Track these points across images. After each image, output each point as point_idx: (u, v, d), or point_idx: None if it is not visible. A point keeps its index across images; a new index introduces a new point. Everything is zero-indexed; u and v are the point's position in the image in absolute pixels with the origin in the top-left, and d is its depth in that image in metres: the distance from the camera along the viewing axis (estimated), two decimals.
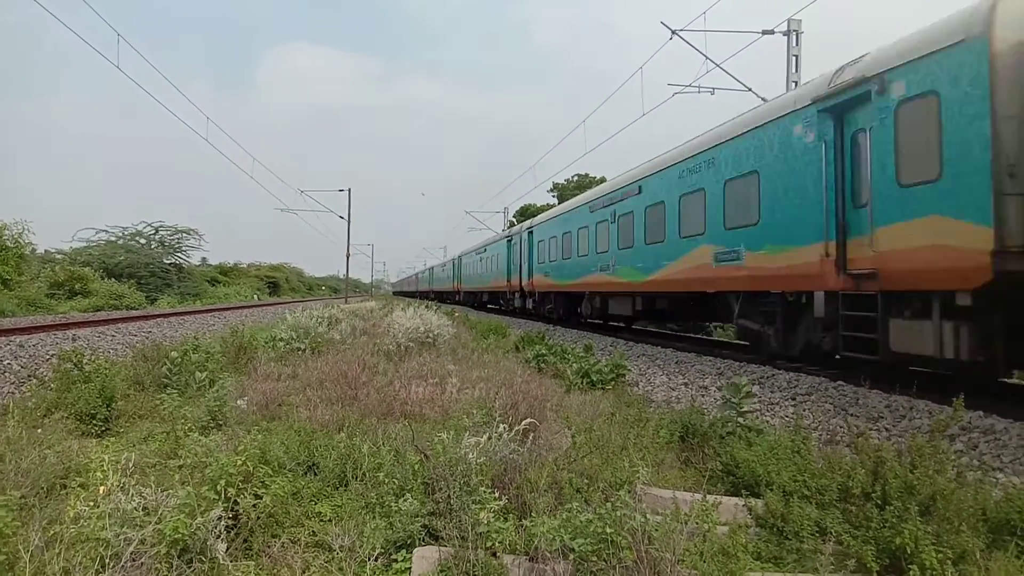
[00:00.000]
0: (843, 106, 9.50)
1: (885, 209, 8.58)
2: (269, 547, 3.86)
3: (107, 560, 3.16)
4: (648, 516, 3.41)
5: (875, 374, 9.20)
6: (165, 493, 3.69)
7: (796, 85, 17.44)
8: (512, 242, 32.19)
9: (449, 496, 3.91)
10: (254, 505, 3.89)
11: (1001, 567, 3.33)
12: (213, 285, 59.18)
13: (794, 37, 18.09)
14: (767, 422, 7.51)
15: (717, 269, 12.77)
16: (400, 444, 5.44)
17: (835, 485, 4.01)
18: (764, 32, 18.20)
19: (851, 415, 7.89)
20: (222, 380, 8.04)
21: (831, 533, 3.61)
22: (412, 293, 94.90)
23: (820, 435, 6.81)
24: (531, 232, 28.42)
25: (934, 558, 3.21)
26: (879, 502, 3.73)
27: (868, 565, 3.35)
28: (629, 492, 3.77)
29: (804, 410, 8.27)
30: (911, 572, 3.21)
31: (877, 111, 8.73)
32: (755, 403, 7.72)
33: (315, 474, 4.99)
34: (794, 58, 18.07)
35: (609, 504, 3.52)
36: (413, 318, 15.49)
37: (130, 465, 3.88)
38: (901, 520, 3.43)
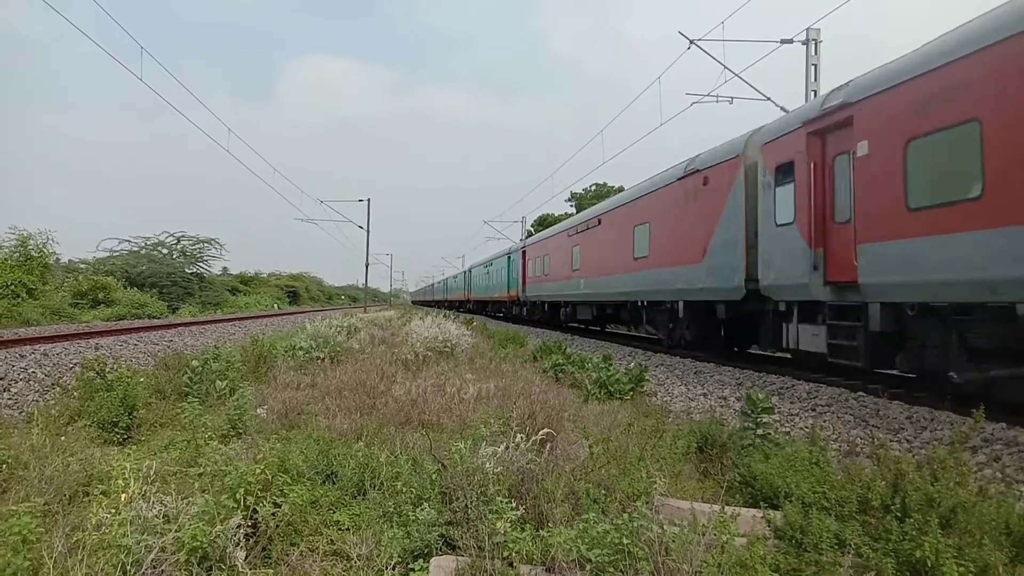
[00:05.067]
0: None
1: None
2: (288, 555, 3.88)
3: (128, 567, 3.20)
4: (665, 527, 3.40)
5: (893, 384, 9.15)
6: (185, 501, 3.73)
7: (815, 94, 17.36)
8: (456, 277, 64.29)
9: (466, 505, 3.92)
10: (273, 513, 3.92)
11: None
12: (234, 294, 59.62)
13: (813, 46, 18.01)
14: (786, 433, 7.46)
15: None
16: (418, 453, 5.46)
17: (854, 497, 3.97)
18: (783, 41, 18.15)
19: (872, 426, 7.82)
20: (242, 389, 8.10)
21: (850, 545, 3.57)
22: (429, 302, 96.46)
23: (840, 447, 6.75)
24: (469, 271, 58.18)
25: (955, 571, 3.16)
26: (899, 514, 3.69)
27: None
28: (646, 503, 3.76)
29: (824, 421, 8.20)
30: None
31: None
32: (774, 416, 7.66)
33: (333, 483, 5.01)
34: (813, 67, 17.99)
35: (626, 515, 3.51)
36: (431, 327, 15.54)
37: (151, 473, 3.93)
38: (922, 533, 3.39)
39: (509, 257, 39.64)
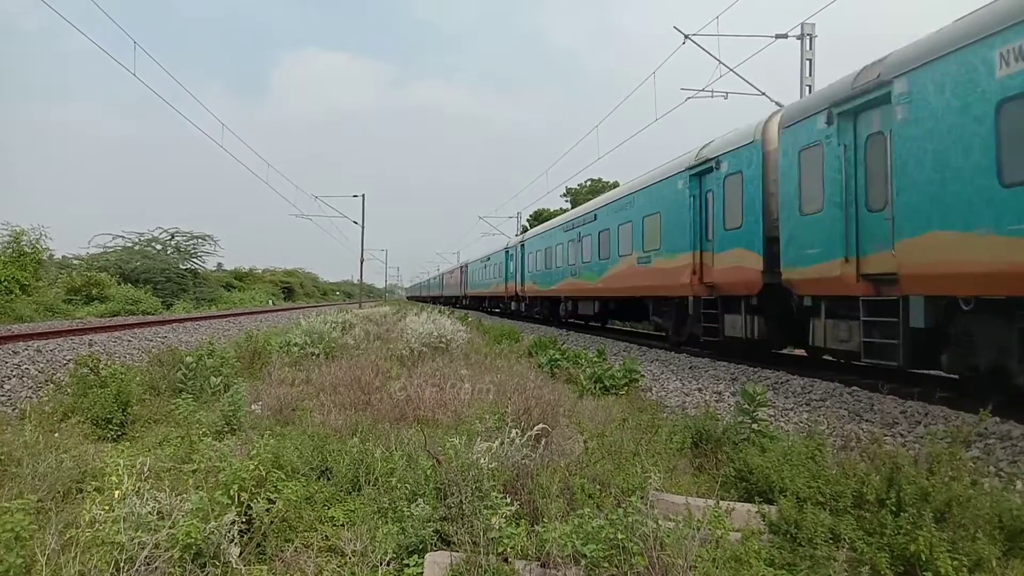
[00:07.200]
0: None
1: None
2: (282, 551, 3.88)
3: (122, 564, 3.19)
4: (660, 522, 3.40)
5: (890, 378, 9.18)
6: (179, 498, 3.71)
7: (810, 90, 17.37)
8: (435, 277, 74.08)
9: (461, 501, 3.92)
10: (267, 510, 3.91)
11: (1018, 575, 3.30)
12: (228, 290, 59.52)
13: (808, 41, 18.00)
14: (781, 428, 7.47)
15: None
16: (413, 449, 5.45)
17: (849, 491, 3.97)
18: (778, 36, 18.13)
19: (866, 421, 7.84)
20: (236, 385, 8.08)
21: (845, 540, 3.57)
22: (425, 298, 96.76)
23: (834, 441, 6.76)
24: (443, 275, 59.34)
25: (949, 565, 3.17)
26: (893, 508, 3.70)
27: (882, 572, 3.31)
28: (641, 498, 3.76)
29: (819, 416, 8.21)
30: None
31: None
32: (769, 411, 7.69)
33: (328, 479, 5.00)
34: (808, 62, 17.98)
35: (621, 510, 3.51)
36: (426, 323, 15.51)
37: (145, 469, 3.91)
38: (916, 527, 3.40)
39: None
